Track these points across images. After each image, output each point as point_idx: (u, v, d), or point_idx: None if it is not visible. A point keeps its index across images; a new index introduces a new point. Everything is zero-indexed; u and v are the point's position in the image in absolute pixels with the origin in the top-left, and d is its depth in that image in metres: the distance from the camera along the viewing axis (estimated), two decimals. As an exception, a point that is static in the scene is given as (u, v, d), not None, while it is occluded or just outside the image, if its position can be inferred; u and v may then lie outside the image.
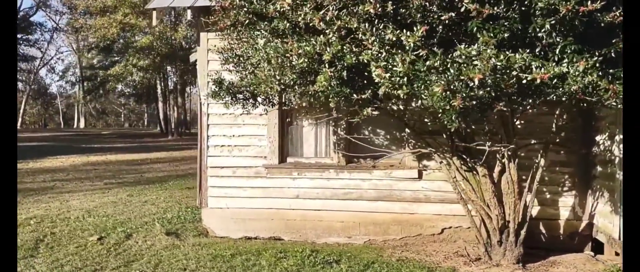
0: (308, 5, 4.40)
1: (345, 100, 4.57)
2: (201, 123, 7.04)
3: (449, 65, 3.74)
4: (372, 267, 5.29)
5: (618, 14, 3.56)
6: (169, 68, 37.18)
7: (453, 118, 3.73)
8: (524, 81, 3.67)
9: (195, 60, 8.64)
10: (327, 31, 4.29)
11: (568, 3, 3.53)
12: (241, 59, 5.48)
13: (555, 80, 3.66)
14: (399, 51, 4.12)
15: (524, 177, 5.50)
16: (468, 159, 5.65)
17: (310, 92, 4.72)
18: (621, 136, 5.15)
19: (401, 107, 4.91)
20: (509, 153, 5.26)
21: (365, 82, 4.53)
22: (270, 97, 5.22)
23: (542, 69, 3.55)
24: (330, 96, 4.53)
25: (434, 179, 6.44)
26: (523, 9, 3.77)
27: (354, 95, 4.54)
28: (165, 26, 32.85)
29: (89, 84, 50.33)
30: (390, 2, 4.12)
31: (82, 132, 43.81)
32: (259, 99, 5.66)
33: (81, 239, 6.61)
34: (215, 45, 6.09)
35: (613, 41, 3.75)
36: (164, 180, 13.12)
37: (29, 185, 12.31)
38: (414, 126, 5.91)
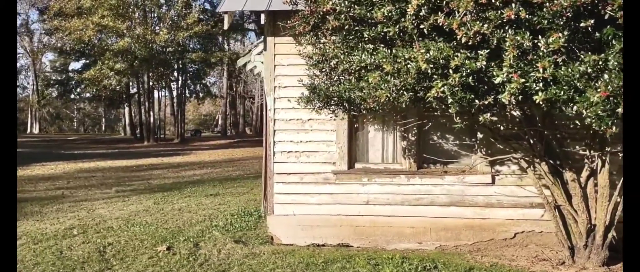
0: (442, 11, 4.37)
1: (468, 106, 4.56)
2: (267, 129, 6.90)
3: (602, 71, 3.79)
4: (474, 273, 5.30)
5: None
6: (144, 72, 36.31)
7: (609, 124, 3.78)
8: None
9: (245, 64, 8.52)
10: (459, 36, 4.27)
11: None
12: (337, 64, 5.39)
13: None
14: (535, 57, 4.16)
15: (616, 182, 5.62)
16: (556, 164, 5.74)
17: (427, 98, 4.69)
18: None
19: (517, 113, 4.93)
20: (604, 158, 5.38)
21: (486, 88, 4.54)
22: (373, 104, 5.13)
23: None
24: (451, 102, 4.51)
25: (506, 184, 6.52)
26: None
27: (476, 101, 4.54)
28: (145, 29, 32.18)
29: (47, 87, 48.79)
30: (524, 9, 4.14)
31: (47, 138, 42.38)
32: (346, 105, 5.62)
33: (147, 250, 6.36)
34: (300, 50, 5.96)
35: None
36: (178, 187, 12.79)
37: (35, 193, 11.81)
38: (499, 132, 5.96)
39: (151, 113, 37.51)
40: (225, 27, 6.63)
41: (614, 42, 4.02)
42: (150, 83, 37.24)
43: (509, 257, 6.02)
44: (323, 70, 5.71)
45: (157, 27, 34.42)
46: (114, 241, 6.80)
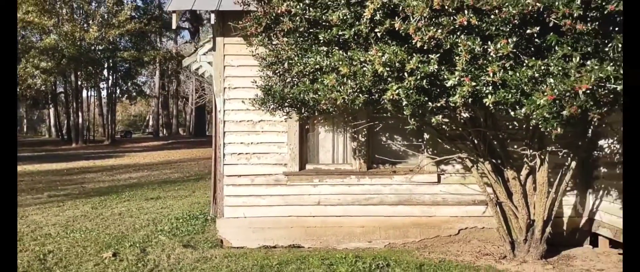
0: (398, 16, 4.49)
1: (421, 108, 4.72)
2: (216, 130, 6.80)
3: (546, 76, 4.04)
4: (425, 270, 5.47)
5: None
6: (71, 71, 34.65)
7: (555, 125, 4.03)
8: (610, 91, 4.07)
9: (188, 66, 8.35)
10: (414, 41, 4.40)
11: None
12: (291, 65, 5.40)
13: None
14: (485, 61, 4.36)
15: (551, 179, 5.98)
16: (498, 163, 6.04)
17: (382, 101, 4.81)
18: (634, 140, 5.81)
19: (466, 115, 5.13)
20: (542, 156, 5.72)
21: (438, 90, 4.71)
22: (328, 106, 5.18)
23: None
24: (406, 104, 4.65)
25: (452, 182, 6.78)
26: (608, 26, 4.16)
27: (429, 103, 4.71)
28: (73, 26, 30.72)
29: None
30: (475, 16, 4.34)
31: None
32: (300, 107, 5.65)
33: (92, 256, 6.10)
34: (253, 51, 5.93)
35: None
36: (115, 191, 12.33)
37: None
38: (445, 133, 6.19)
39: (79, 114, 35.85)
40: (173, 26, 6.48)
41: (556, 48, 4.29)
42: (79, 82, 35.58)
43: (454, 253, 6.27)
44: (277, 71, 5.71)
45: (86, 25, 32.94)
46: (55, 249, 6.47)
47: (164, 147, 31.34)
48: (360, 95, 4.90)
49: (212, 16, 6.32)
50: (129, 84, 42.09)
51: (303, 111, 5.64)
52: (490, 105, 4.38)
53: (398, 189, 6.79)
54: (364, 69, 4.69)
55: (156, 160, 22.82)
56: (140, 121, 67.58)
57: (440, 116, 4.89)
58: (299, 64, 5.26)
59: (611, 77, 3.97)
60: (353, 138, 6.85)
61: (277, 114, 5.98)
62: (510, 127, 6.25)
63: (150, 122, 56.87)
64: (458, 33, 4.43)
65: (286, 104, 5.62)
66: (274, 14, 5.40)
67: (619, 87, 4.01)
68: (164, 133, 49.83)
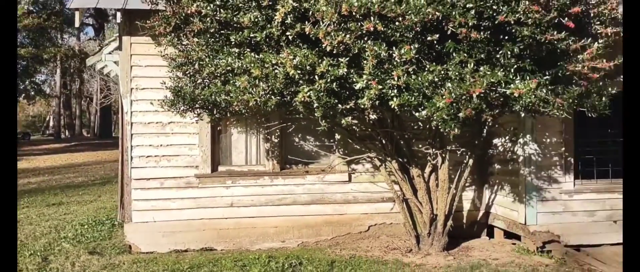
0: (309, 20, 4.60)
1: (332, 110, 4.87)
2: (124, 132, 6.58)
3: (445, 80, 4.33)
4: (336, 266, 5.64)
5: (570, 42, 4.53)
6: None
7: (453, 126, 4.33)
8: (500, 95, 4.44)
9: (93, 65, 8.00)
10: (324, 45, 4.53)
11: (535, 32, 4.38)
12: (201, 66, 5.35)
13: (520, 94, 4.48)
14: (391, 66, 4.59)
15: (452, 176, 6.38)
16: (404, 161, 6.36)
17: (294, 103, 4.90)
18: (524, 139, 6.34)
19: (374, 116, 5.33)
20: (444, 155, 6.09)
21: (348, 93, 4.89)
22: (240, 108, 5.18)
23: (519, 84, 4.34)
24: (317, 106, 4.78)
25: (362, 181, 7.02)
26: (499, 35, 4.53)
27: (339, 105, 4.87)
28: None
29: None
30: (381, 23, 4.54)
31: None
32: (212, 109, 5.62)
33: (-15, 269, 5.68)
34: (160, 51, 5.81)
35: (558, 63, 4.73)
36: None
37: None
38: (355, 134, 6.41)
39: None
40: (76, 24, 6.19)
41: (454, 54, 4.61)
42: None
43: (364, 249, 6.51)
44: (187, 72, 5.64)
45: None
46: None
47: (67, 150, 29.56)
48: (273, 97, 4.97)
49: (118, 14, 6.11)
50: (27, 82, 39.20)
51: (215, 113, 5.61)
52: (396, 107, 4.61)
53: (311, 188, 6.93)
54: (276, 71, 4.77)
55: (58, 163, 21.50)
56: (40, 122, 63.20)
57: (350, 118, 5.06)
58: (210, 65, 5.23)
59: (501, 81, 4.34)
60: (266, 139, 6.90)
61: (188, 116, 5.90)
62: (415, 127, 6.58)
63: (51, 123, 53.33)
64: (365, 38, 4.62)
65: (197, 106, 5.57)
66: (183, 14, 5.34)
67: (508, 91, 4.40)
68: (67, 135, 46.91)
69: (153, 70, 6.45)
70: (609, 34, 4.76)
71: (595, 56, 4.60)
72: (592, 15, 4.84)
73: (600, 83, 4.90)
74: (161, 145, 6.64)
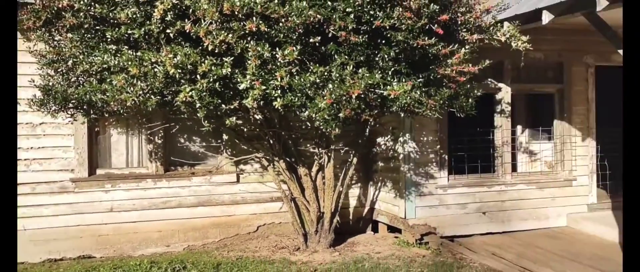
0: (189, 18, 4.49)
1: (215, 110, 4.81)
2: (-13, 134, 5.98)
3: (327, 81, 4.46)
4: (222, 268, 5.58)
5: (440, 47, 4.85)
6: None
7: (334, 126, 4.46)
8: (378, 96, 4.66)
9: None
10: (205, 44, 4.46)
11: (408, 37, 4.65)
12: (75, 64, 5.03)
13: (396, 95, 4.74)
14: (274, 67, 4.63)
15: (338, 174, 6.56)
16: (292, 161, 6.44)
17: (175, 103, 4.78)
18: (404, 138, 6.70)
19: (260, 116, 5.32)
20: (329, 154, 6.26)
21: (232, 93, 4.85)
22: (117, 108, 4.94)
23: (395, 86, 4.58)
24: (199, 106, 4.70)
25: (250, 181, 7.01)
26: (377, 39, 4.75)
27: (223, 105, 4.82)
28: None
29: None
30: (264, 23, 4.57)
31: None
32: (87, 109, 5.33)
33: None
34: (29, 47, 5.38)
35: (430, 67, 5.05)
36: None
37: None
38: (243, 134, 6.39)
39: None
40: None
41: (336, 56, 4.76)
42: None
43: (252, 249, 6.50)
44: (59, 70, 5.28)
45: None
46: None
47: None
48: (152, 96, 4.80)
49: (-21, 5, 5.54)
50: None
51: (91, 113, 5.31)
52: (280, 107, 4.66)
53: (197, 190, 6.78)
54: (156, 70, 4.61)
55: None
56: None
57: (235, 118, 5.03)
58: (84, 63, 4.93)
59: (379, 83, 4.56)
60: (149, 140, 6.65)
61: (60, 116, 5.53)
62: (302, 127, 6.70)
63: None
64: (249, 38, 4.61)
65: (70, 106, 5.23)
66: (55, 8, 4.99)
67: (386, 92, 4.62)
68: None
69: (21, 67, 5.89)
70: (475, 41, 5.18)
71: (462, 61, 4.99)
72: (459, 23, 5.23)
73: (467, 86, 5.31)
74: (32, 147, 6.15)
